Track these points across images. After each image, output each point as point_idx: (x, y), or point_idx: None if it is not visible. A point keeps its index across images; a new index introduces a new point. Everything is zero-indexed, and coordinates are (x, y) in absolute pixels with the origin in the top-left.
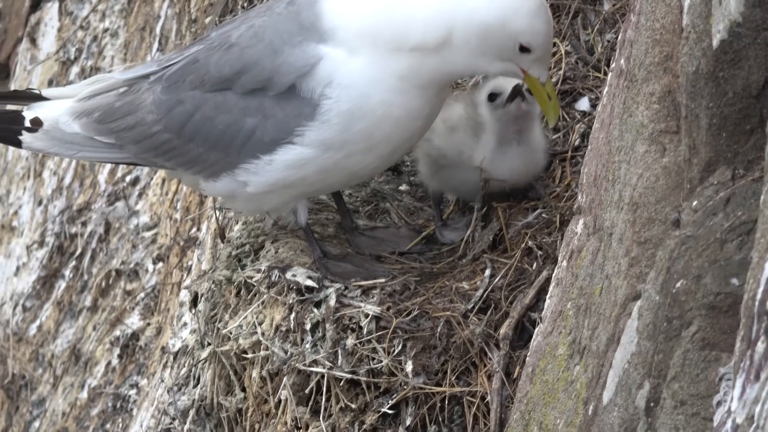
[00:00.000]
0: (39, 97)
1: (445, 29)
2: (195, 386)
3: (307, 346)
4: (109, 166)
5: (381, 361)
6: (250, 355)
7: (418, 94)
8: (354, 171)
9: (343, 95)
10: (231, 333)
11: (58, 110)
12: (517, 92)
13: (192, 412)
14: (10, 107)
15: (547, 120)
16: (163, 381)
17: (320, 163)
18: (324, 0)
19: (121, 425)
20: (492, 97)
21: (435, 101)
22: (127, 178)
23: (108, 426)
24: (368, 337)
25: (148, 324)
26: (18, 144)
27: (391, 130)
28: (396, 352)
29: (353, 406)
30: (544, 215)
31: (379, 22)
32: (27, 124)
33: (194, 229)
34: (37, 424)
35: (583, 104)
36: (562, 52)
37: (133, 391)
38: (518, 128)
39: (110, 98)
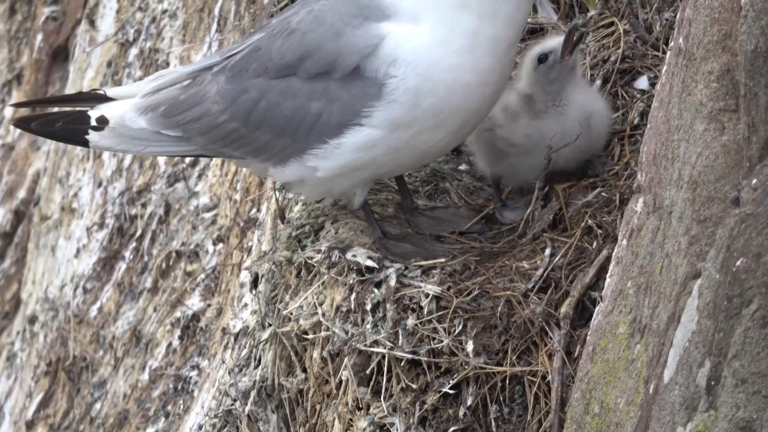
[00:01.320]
0: (104, 98)
1: None
2: (256, 367)
3: (368, 326)
4: None
5: (442, 341)
6: (310, 336)
7: (488, 51)
8: (424, 149)
9: (409, 71)
10: (291, 314)
11: (123, 107)
12: (574, 41)
13: (253, 394)
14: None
15: (587, 4)
16: (224, 362)
17: (389, 143)
18: None
19: (182, 407)
20: (542, 58)
21: (504, 61)
22: (187, 160)
23: (169, 408)
24: (429, 317)
25: (209, 305)
26: (85, 143)
27: (462, 101)
28: (457, 332)
29: (414, 386)
30: (603, 194)
31: None
32: (93, 123)
33: (254, 210)
34: (98, 406)
35: (642, 83)
36: (621, 30)
37: (194, 373)
38: (572, 78)
39: (174, 92)
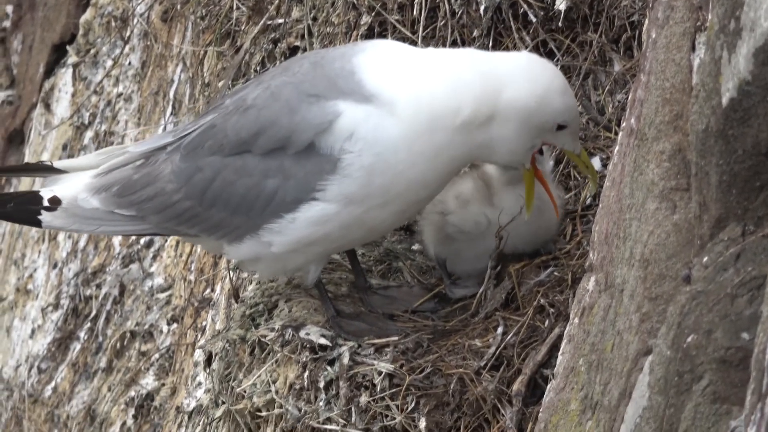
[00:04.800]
0: (51, 169)
1: (491, 109)
2: None
3: (321, 403)
4: None
5: (395, 419)
6: (264, 413)
7: (440, 167)
8: (372, 226)
9: (366, 149)
10: (245, 391)
11: (75, 187)
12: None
13: None
14: (22, 186)
15: (590, 186)
16: None
17: (342, 218)
18: (362, 71)
19: None
20: None
21: (445, 179)
22: (141, 241)
23: None
24: (382, 395)
25: (163, 384)
26: (38, 224)
27: (404, 190)
28: (409, 409)
29: None
30: (556, 273)
31: (432, 94)
32: (45, 203)
33: (208, 290)
34: None
35: (595, 163)
36: None
37: None
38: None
39: (128, 171)
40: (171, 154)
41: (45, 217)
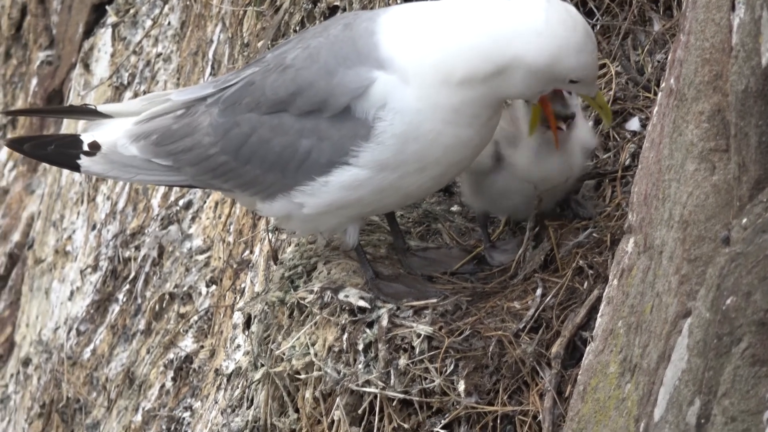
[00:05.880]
0: (95, 113)
1: (493, 66)
2: (249, 408)
3: (360, 366)
4: (162, 190)
5: (433, 381)
6: (303, 376)
7: (468, 123)
8: (408, 191)
9: (397, 119)
10: (284, 354)
11: (115, 133)
12: (559, 117)
13: None
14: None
15: (604, 123)
16: (216, 403)
17: (375, 184)
18: (381, 32)
19: None
20: None
21: (485, 131)
22: (180, 202)
23: None
24: (420, 357)
25: (202, 347)
26: (76, 168)
27: (442, 155)
28: (448, 371)
29: (406, 426)
30: (594, 235)
31: (432, 56)
32: (85, 148)
33: (247, 252)
34: None
35: (634, 124)
36: (612, 72)
37: (187, 414)
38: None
39: (167, 120)
40: (210, 107)
41: (84, 161)
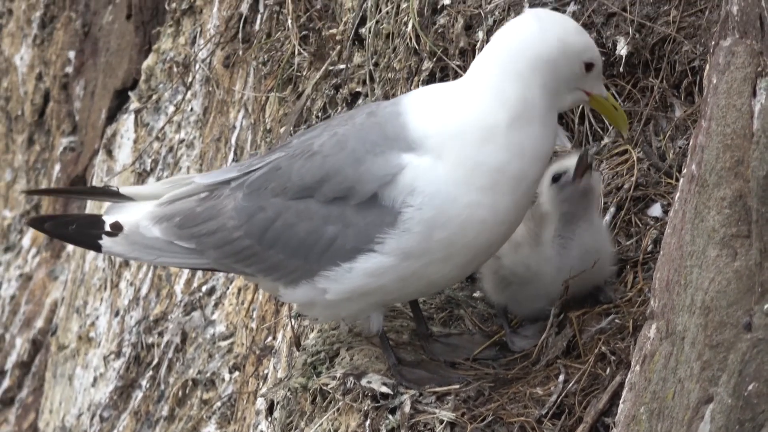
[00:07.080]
0: (117, 194)
1: (521, 87)
2: None
3: None
4: (185, 276)
5: None
6: None
7: (509, 190)
8: (432, 280)
9: (426, 202)
10: None
11: (137, 215)
12: (584, 165)
13: None
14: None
15: (620, 131)
16: None
17: (399, 272)
18: (407, 112)
19: None
20: (556, 177)
21: (524, 201)
22: (204, 288)
23: None
24: None
25: None
26: (98, 248)
27: (474, 237)
28: None
29: None
30: (617, 321)
31: (465, 120)
32: (107, 228)
33: (270, 338)
34: None
35: (656, 210)
36: (635, 158)
37: None
38: (585, 205)
39: (191, 203)
40: (235, 191)
41: (105, 242)
